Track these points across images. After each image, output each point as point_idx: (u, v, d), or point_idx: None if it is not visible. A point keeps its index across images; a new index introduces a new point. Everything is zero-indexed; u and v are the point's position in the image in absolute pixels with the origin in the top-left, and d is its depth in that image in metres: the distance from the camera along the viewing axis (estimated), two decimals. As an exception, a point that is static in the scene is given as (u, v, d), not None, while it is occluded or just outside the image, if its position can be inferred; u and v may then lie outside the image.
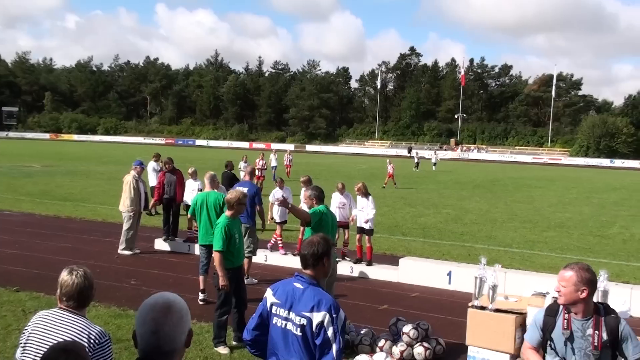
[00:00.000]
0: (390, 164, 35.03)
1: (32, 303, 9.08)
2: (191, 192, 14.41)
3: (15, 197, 22.72)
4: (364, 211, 12.57)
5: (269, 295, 3.92)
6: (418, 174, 46.93)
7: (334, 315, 3.73)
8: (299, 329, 3.76)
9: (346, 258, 12.85)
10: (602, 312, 4.05)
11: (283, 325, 3.84)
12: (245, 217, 10.62)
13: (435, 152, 58.30)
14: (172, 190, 14.42)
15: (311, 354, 3.78)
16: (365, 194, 12.63)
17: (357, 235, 12.74)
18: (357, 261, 12.49)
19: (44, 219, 17.91)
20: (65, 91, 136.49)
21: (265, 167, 30.48)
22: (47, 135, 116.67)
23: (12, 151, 59.70)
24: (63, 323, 3.61)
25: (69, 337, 3.52)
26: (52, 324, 3.61)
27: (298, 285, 3.88)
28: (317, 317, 3.72)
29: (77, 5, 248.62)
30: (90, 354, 3.47)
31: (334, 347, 3.70)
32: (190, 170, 14.76)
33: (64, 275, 3.70)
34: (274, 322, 3.88)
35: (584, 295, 3.97)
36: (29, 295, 9.40)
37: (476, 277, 6.76)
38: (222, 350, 7.60)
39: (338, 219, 12.77)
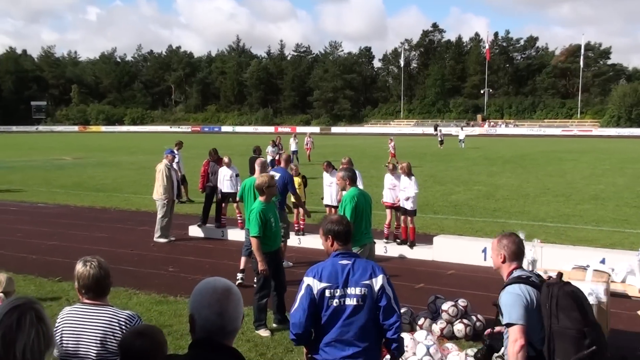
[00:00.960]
0: (391, 143, 34.32)
1: (74, 292, 9.26)
2: (228, 179, 14.42)
3: (49, 189, 23.12)
4: (405, 191, 12.38)
5: (315, 283, 4.01)
6: (444, 151, 46.62)
7: (388, 277, 4.11)
8: (360, 299, 3.98)
9: (397, 240, 12.52)
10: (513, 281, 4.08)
11: (340, 303, 3.99)
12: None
13: (461, 128, 57.31)
14: (215, 179, 14.64)
15: (371, 320, 4.01)
16: (409, 173, 12.44)
17: (402, 217, 12.56)
18: (402, 242, 12.34)
19: (79, 210, 18.22)
20: (91, 83, 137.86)
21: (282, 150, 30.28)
22: (75, 128, 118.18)
23: (43, 145, 60.62)
24: (91, 316, 3.65)
25: (101, 328, 3.58)
26: (81, 319, 3.65)
27: (344, 262, 4.08)
28: (377, 282, 4.01)
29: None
30: None
31: (396, 306, 4.06)
32: (225, 160, 14.75)
33: (79, 268, 3.72)
34: (329, 304, 4.00)
35: (501, 259, 4.22)
36: (71, 285, 9.58)
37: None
38: (263, 333, 7.70)
39: (389, 201, 12.78)
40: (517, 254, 4.26)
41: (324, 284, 4.01)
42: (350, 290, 4.00)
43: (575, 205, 18.31)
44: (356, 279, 4.01)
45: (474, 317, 7.73)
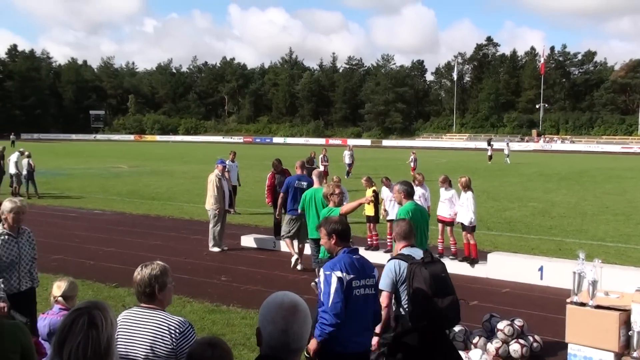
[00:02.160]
0: (413, 155, 33.65)
1: (131, 299, 9.43)
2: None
3: (106, 197, 23.70)
4: (463, 206, 12.16)
5: (343, 275, 4.58)
6: (497, 166, 45.88)
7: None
8: (373, 288, 4.79)
9: (450, 257, 12.16)
10: None
11: (363, 292, 4.67)
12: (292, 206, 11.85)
13: (507, 143, 56.23)
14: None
15: (378, 304, 4.91)
16: (467, 188, 12.27)
17: (463, 233, 12.26)
18: (464, 259, 12.07)
19: (135, 218, 18.59)
20: (147, 93, 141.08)
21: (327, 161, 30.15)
22: (131, 137, 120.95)
23: (100, 153, 62.26)
24: (143, 319, 3.69)
25: (151, 332, 3.61)
26: (133, 323, 3.69)
27: (356, 256, 4.80)
28: (377, 272, 4.93)
29: (154, 9, 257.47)
30: (174, 344, 3.57)
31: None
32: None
33: (135, 272, 3.80)
34: (355, 293, 4.61)
35: (395, 238, 5.74)
36: (127, 291, 9.77)
37: (574, 273, 6.54)
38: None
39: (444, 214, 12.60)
40: (404, 236, 5.58)
41: (350, 276, 4.60)
42: (366, 282, 4.70)
43: (636, 225, 17.73)
44: (368, 272, 4.75)
45: (530, 338, 7.54)
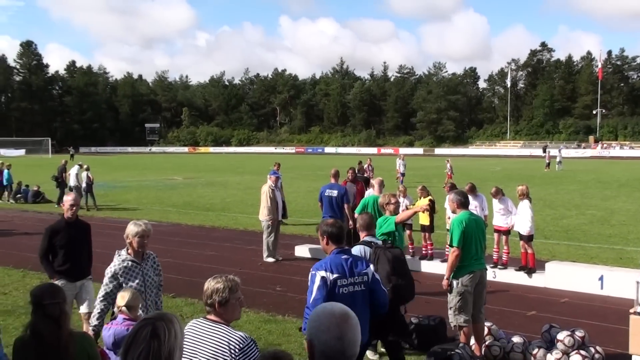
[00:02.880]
0: (448, 163, 33.39)
1: (188, 309, 9.62)
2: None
3: (162, 208, 24.20)
4: (520, 215, 12.02)
5: (327, 275, 4.93)
6: (553, 173, 44.92)
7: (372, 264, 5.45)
8: (363, 285, 5.08)
9: (499, 267, 12.18)
10: None
11: (350, 290, 4.99)
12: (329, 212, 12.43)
13: (559, 150, 55.08)
14: (353, 200, 14.22)
15: (368, 301, 5.13)
16: (524, 197, 12.13)
17: (520, 242, 12.12)
18: (521, 268, 11.89)
19: (190, 229, 18.92)
20: (200, 106, 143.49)
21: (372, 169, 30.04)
22: (185, 149, 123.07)
23: (156, 165, 63.60)
24: (205, 333, 3.73)
25: (212, 348, 3.66)
26: (195, 335, 3.74)
27: (345, 256, 5.11)
28: (370, 269, 5.19)
29: (206, 23, 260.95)
30: (233, 359, 3.60)
31: (383, 287, 5.30)
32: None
33: (206, 283, 3.88)
34: (341, 292, 4.94)
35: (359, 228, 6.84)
36: (185, 302, 9.96)
37: (638, 282, 6.38)
38: (371, 355, 7.64)
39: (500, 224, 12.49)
40: (366, 227, 6.71)
41: (334, 275, 4.94)
42: (355, 280, 5.02)
43: (700, 233, 17.11)
44: (359, 270, 5.06)
45: (592, 349, 7.35)
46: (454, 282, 7.43)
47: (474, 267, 7.48)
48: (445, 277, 7.53)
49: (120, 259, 5.65)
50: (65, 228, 7.37)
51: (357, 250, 6.32)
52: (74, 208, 7.41)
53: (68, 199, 7.50)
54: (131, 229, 5.60)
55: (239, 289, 3.92)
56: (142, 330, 2.56)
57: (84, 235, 7.61)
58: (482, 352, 7.49)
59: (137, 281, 5.62)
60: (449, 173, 33.72)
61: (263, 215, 13.96)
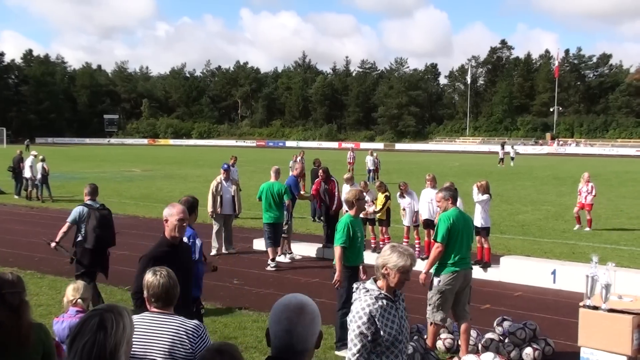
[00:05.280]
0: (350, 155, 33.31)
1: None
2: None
3: (120, 200, 23.84)
4: (479, 209, 12.24)
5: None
6: (511, 169, 45.69)
7: None
8: None
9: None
10: None
11: None
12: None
13: (512, 146, 56.70)
14: (327, 198, 14.22)
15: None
16: (484, 191, 12.29)
17: (476, 237, 12.31)
18: (476, 262, 11.81)
19: (149, 221, 18.68)
20: (160, 98, 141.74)
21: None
22: (145, 141, 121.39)
23: (114, 157, 62.63)
24: (159, 325, 3.70)
25: (169, 337, 3.63)
26: (148, 328, 3.70)
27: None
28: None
29: (166, 13, 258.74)
30: (192, 347, 3.60)
31: None
32: (346, 176, 14.54)
33: (149, 277, 3.82)
34: None
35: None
36: (140, 294, 9.81)
37: (587, 276, 6.50)
38: (345, 354, 7.58)
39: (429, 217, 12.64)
40: (89, 193, 9.01)
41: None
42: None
43: (650, 229, 17.60)
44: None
45: (542, 341, 7.50)
46: (435, 280, 7.29)
47: (459, 267, 7.29)
48: (424, 271, 7.38)
49: None
50: (171, 253, 5.27)
51: (77, 209, 8.86)
52: (184, 224, 5.39)
53: (174, 212, 5.28)
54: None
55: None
56: (89, 321, 2.51)
57: (189, 260, 5.79)
58: (436, 345, 7.55)
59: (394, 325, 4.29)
60: (374, 168, 33.21)
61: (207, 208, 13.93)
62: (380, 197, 13.36)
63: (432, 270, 7.38)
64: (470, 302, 7.76)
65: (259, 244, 14.46)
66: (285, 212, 13.00)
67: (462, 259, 7.30)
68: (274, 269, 12.30)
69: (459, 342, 7.52)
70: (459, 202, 11.32)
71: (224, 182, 14.11)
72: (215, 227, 13.87)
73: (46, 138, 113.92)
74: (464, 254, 7.35)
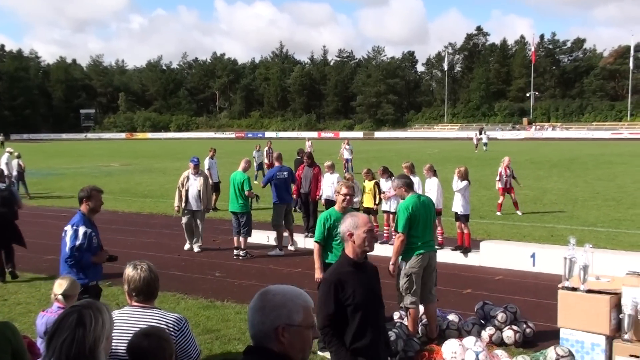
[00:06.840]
0: (347, 145, 32.81)
1: (124, 297, 9.43)
2: (330, 185, 13.61)
3: (98, 195, 23.58)
4: (458, 195, 12.39)
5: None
6: (489, 155, 46.01)
7: None
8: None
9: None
10: None
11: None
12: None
13: (484, 132, 57.73)
14: (307, 185, 14.24)
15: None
16: (462, 177, 12.41)
17: (456, 222, 12.49)
18: (457, 248, 12.13)
19: (127, 216, 18.57)
20: (137, 91, 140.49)
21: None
22: (122, 135, 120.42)
23: (91, 152, 62.04)
24: (140, 319, 3.69)
25: None
26: (130, 322, 3.69)
27: None
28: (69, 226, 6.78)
29: (140, 6, 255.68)
30: (174, 340, 3.57)
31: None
32: (327, 164, 14.41)
33: (129, 271, 3.79)
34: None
35: None
36: (121, 290, 9.74)
37: (565, 258, 6.59)
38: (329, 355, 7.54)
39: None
40: None
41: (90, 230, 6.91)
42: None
43: (626, 210, 17.85)
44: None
45: (523, 324, 7.59)
46: (403, 264, 7.46)
47: (423, 249, 7.41)
48: (391, 262, 7.51)
49: None
50: (355, 274, 4.38)
51: None
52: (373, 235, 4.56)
53: (359, 222, 4.41)
54: None
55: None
56: (68, 317, 2.50)
57: (377, 283, 4.64)
58: (419, 331, 7.61)
59: None
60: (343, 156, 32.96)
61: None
62: (369, 185, 13.39)
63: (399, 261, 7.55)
64: (436, 285, 7.89)
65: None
66: (250, 201, 13.07)
67: (425, 243, 7.49)
68: (242, 258, 12.51)
69: (441, 327, 7.61)
70: (416, 184, 11.50)
71: (192, 176, 13.47)
72: (184, 220, 13.48)
73: (21, 134, 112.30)
74: (427, 238, 7.55)
